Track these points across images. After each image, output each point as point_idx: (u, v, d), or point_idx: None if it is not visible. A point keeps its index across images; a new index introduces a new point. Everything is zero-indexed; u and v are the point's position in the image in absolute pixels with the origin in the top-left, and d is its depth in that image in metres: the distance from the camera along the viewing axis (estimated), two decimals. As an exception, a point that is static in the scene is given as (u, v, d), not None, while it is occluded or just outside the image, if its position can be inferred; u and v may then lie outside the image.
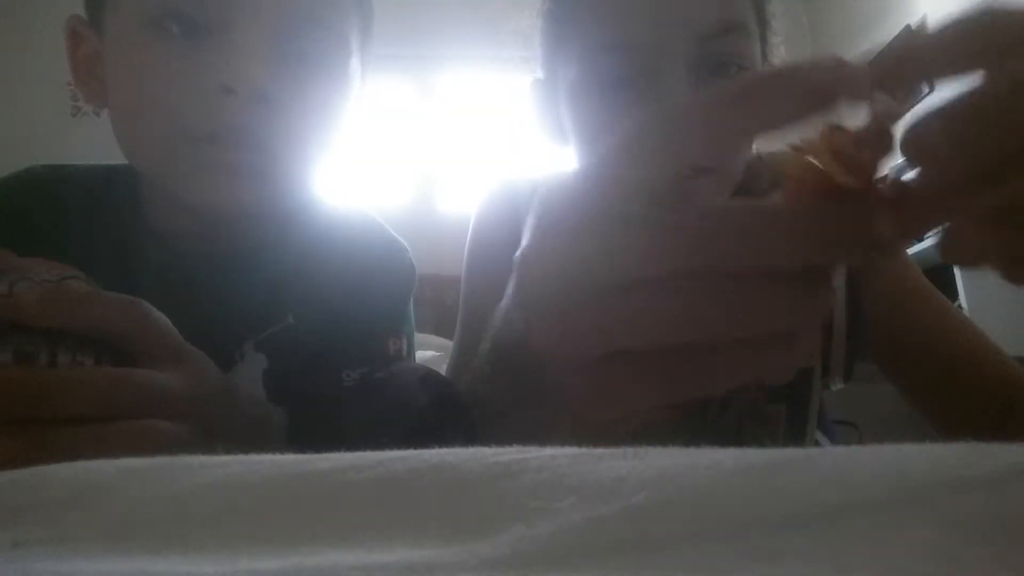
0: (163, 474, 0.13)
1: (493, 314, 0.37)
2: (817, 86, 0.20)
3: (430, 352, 1.48)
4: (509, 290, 0.28)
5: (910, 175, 0.20)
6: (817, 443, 0.75)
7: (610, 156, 0.23)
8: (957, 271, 2.49)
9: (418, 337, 0.71)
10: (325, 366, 0.52)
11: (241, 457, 0.14)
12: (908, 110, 0.20)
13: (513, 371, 0.35)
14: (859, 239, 0.21)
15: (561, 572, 0.10)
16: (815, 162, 0.21)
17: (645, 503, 0.11)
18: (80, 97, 0.59)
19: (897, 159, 0.21)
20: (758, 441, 0.64)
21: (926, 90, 0.20)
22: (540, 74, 0.73)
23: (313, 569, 0.11)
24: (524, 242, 0.26)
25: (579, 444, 0.15)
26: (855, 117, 0.21)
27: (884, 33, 2.95)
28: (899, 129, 0.20)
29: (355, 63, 0.58)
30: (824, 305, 0.21)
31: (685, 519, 0.10)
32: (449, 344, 0.82)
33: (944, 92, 0.20)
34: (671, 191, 0.21)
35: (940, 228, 0.21)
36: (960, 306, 2.08)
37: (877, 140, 0.20)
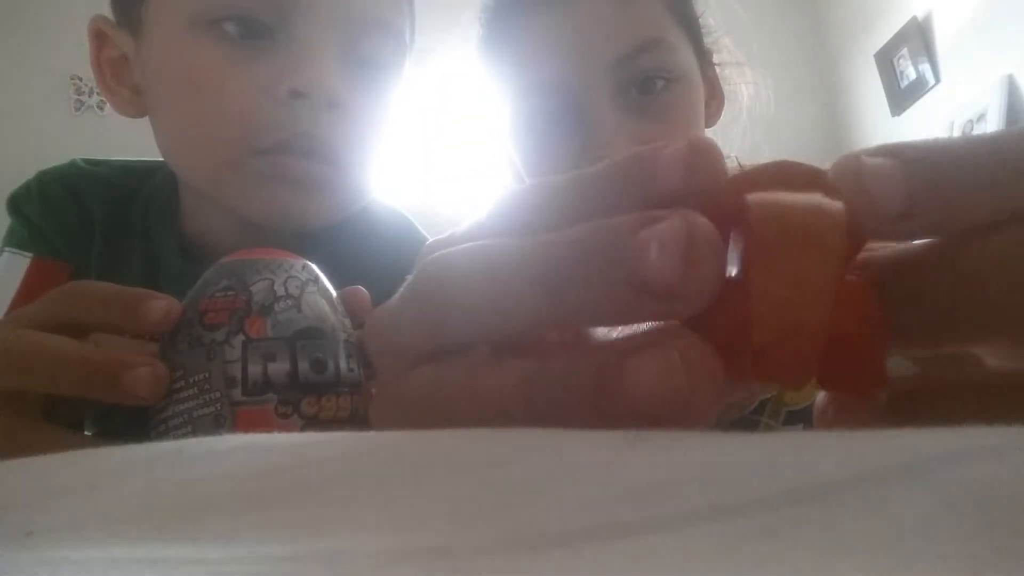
0: (173, 461, 0.14)
1: None
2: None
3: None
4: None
5: None
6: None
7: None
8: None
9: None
10: None
11: (250, 440, 0.14)
12: None
13: None
14: None
15: (565, 554, 0.10)
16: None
17: (643, 484, 0.11)
18: (110, 105, 0.54)
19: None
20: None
21: None
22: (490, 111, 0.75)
23: (327, 553, 0.11)
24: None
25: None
26: None
27: (890, 26, 2.93)
28: None
29: (408, 63, 0.56)
30: None
31: (684, 499, 0.10)
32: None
33: None
34: None
35: None
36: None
37: None
